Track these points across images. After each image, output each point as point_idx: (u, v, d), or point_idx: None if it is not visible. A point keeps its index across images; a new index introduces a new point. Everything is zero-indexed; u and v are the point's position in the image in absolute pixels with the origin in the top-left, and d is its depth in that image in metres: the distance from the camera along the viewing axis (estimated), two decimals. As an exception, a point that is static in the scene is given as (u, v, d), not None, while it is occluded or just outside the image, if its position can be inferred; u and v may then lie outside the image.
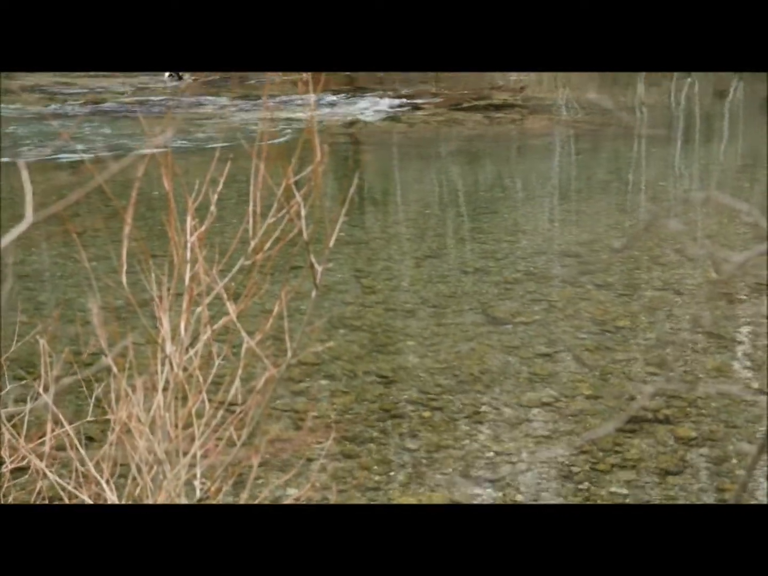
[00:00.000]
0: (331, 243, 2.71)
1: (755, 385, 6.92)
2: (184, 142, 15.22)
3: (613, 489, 5.61)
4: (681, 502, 5.43)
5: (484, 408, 6.62)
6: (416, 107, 19.76)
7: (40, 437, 3.21)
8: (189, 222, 2.95)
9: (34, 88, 22.23)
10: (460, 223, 11.67)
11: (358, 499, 5.50)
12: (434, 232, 11.24)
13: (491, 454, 6.01)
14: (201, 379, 2.93)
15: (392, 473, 5.82)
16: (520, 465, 5.88)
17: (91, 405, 3.63)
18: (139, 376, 2.97)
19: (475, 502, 5.47)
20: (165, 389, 2.89)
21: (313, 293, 2.74)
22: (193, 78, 24.03)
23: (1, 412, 3.27)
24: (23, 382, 4.29)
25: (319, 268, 2.66)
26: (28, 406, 3.28)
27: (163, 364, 2.90)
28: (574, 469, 5.83)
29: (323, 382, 7.05)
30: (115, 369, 2.95)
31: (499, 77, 25.17)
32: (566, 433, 6.25)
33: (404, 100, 20.47)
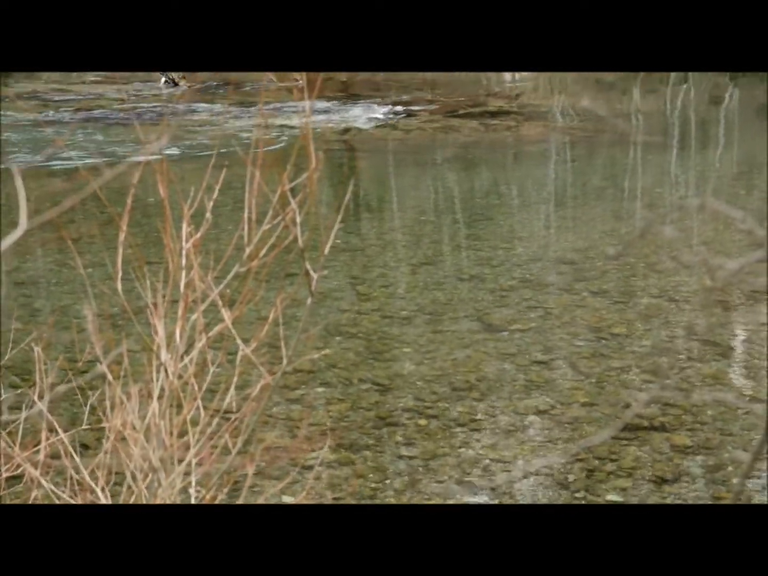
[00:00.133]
0: (327, 250, 2.71)
1: (750, 392, 6.92)
2: (174, 149, 15.20)
3: (609, 497, 5.60)
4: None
5: (480, 416, 6.61)
6: (412, 114, 19.77)
7: (35, 445, 3.20)
8: (184, 229, 2.95)
9: (30, 95, 22.23)
10: (456, 230, 11.67)
11: (354, 506, 5.49)
12: (430, 239, 11.24)
13: (487, 462, 6.00)
14: (196, 386, 2.92)
15: (388, 481, 5.80)
16: (516, 473, 5.87)
17: (86, 413, 3.62)
18: (134, 383, 2.96)
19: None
20: (160, 397, 2.88)
21: (309, 300, 2.73)
22: (188, 85, 24.04)
23: (-4, 419, 3.26)
24: (19, 390, 4.28)
25: (314, 275, 2.65)
26: (23, 413, 3.27)
27: (158, 372, 2.89)
28: (570, 477, 5.82)
29: (319, 389, 7.04)
30: (110, 376, 2.94)
31: (494, 84, 25.20)
32: (562, 441, 6.24)
33: (400, 107, 20.48)
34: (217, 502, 2.91)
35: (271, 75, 22.27)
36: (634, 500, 5.56)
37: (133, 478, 2.84)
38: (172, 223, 2.88)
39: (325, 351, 7.48)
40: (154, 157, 2.99)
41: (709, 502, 5.50)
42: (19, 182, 1.99)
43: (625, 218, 12.16)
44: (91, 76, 25.61)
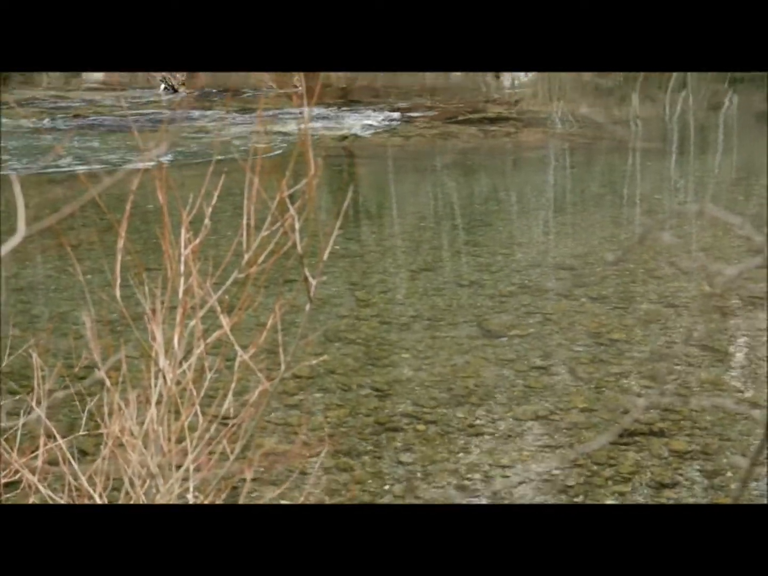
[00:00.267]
0: (325, 256, 2.71)
1: (749, 398, 6.92)
2: (167, 156, 15.19)
3: (608, 503, 5.60)
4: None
5: (478, 421, 6.61)
6: (411, 120, 19.78)
7: (33, 451, 3.20)
8: (183, 235, 2.95)
9: (27, 101, 22.25)
10: (455, 236, 11.68)
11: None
12: (429, 245, 11.25)
13: (486, 467, 6.00)
14: (194, 392, 2.92)
15: (386, 487, 5.80)
16: (514, 478, 5.87)
17: (84, 419, 3.62)
18: (132, 389, 2.96)
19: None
20: (158, 403, 2.88)
21: (308, 306, 2.73)
22: (187, 91, 24.05)
23: (-5, 425, 3.26)
24: (17, 397, 4.28)
25: (313, 282, 2.65)
26: (21, 419, 3.27)
27: (156, 378, 2.90)
28: (569, 482, 5.82)
29: (317, 395, 7.04)
30: (108, 382, 2.94)
31: (494, 90, 25.22)
32: (561, 446, 6.24)
33: (399, 113, 20.50)
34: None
35: (270, 82, 22.30)
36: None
37: (131, 484, 2.84)
38: (171, 229, 2.88)
39: (324, 357, 7.48)
40: (152, 163, 2.99)
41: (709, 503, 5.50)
42: (17, 189, 1.99)
43: (624, 224, 12.17)
44: (87, 83, 25.63)
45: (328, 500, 5.52)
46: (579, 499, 5.63)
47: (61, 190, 13.23)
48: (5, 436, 3.34)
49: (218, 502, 2.92)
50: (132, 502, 2.84)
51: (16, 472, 3.16)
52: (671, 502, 5.59)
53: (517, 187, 14.93)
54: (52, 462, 3.17)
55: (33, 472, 3.11)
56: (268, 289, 3.19)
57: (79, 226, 11.31)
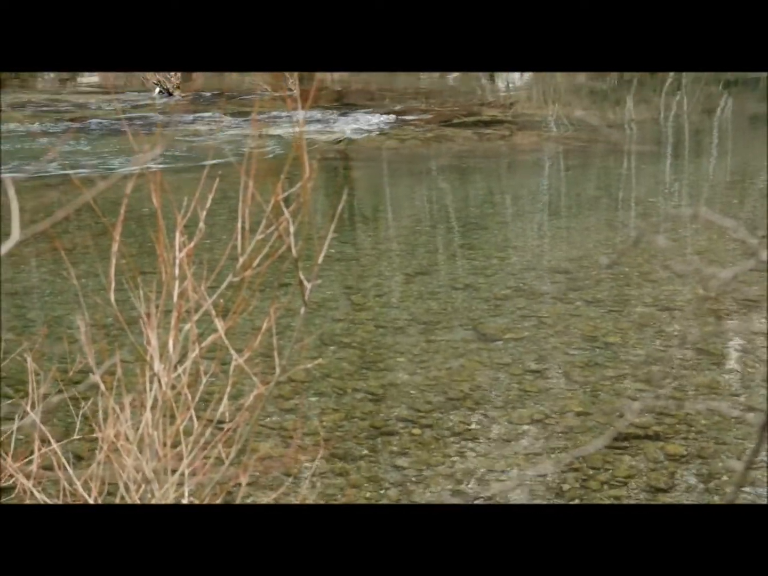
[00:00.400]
0: (320, 259, 2.71)
1: (744, 401, 6.92)
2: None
3: (605, 503, 5.59)
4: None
5: (473, 425, 6.61)
6: (406, 123, 19.79)
7: (27, 456, 3.19)
8: (178, 238, 2.95)
9: (20, 105, 22.23)
10: (450, 240, 11.68)
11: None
12: (424, 248, 11.25)
13: (481, 471, 5.99)
14: (189, 396, 2.91)
15: (382, 491, 5.80)
16: (509, 482, 5.86)
17: (79, 423, 3.61)
18: (127, 393, 2.95)
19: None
20: (153, 407, 2.87)
21: (303, 310, 2.73)
22: (182, 95, 24.05)
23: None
24: (10, 401, 4.27)
25: (308, 285, 2.65)
26: (16, 424, 3.26)
27: (151, 382, 2.89)
28: (564, 486, 5.82)
29: (313, 399, 7.03)
30: (103, 387, 2.93)
31: (489, 93, 25.25)
32: (556, 450, 6.24)
33: (394, 116, 20.50)
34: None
35: (265, 85, 22.29)
36: (629, 509, 5.55)
37: (126, 488, 2.84)
38: (166, 233, 2.87)
39: (319, 361, 7.47)
40: (146, 166, 2.99)
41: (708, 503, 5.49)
42: (11, 193, 1.99)
43: (619, 227, 12.18)
44: (82, 86, 25.61)
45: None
46: (574, 504, 5.63)
47: (55, 194, 13.21)
48: (-1, 441, 3.33)
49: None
50: (127, 507, 2.83)
51: (11, 476, 3.15)
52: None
53: (512, 190, 14.94)
54: (47, 467, 3.16)
55: (28, 476, 3.10)
56: (263, 292, 3.18)
57: (74, 230, 11.30)
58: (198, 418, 2.95)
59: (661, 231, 11.66)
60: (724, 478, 5.89)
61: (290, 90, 20.35)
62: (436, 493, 5.74)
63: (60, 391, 3.06)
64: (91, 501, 2.95)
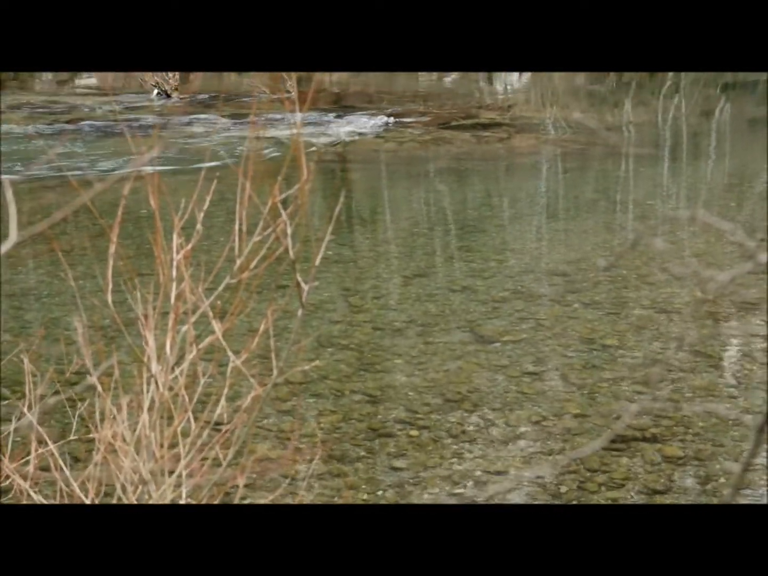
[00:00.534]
0: (318, 261, 2.71)
1: (741, 404, 6.92)
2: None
3: (602, 503, 5.59)
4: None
5: (471, 427, 6.61)
6: (404, 126, 19.79)
7: (24, 457, 3.19)
8: (175, 240, 2.95)
9: (17, 106, 22.22)
10: (448, 242, 11.68)
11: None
12: (422, 250, 11.25)
13: (479, 473, 5.99)
14: (187, 398, 2.91)
15: (380, 492, 5.79)
16: (507, 484, 5.86)
17: (76, 424, 3.61)
18: (124, 395, 2.95)
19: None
20: (150, 408, 2.87)
21: (300, 312, 2.73)
22: (180, 97, 24.05)
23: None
24: (6, 402, 4.26)
25: (305, 287, 2.65)
26: (12, 425, 3.26)
27: (148, 383, 2.89)
28: (562, 488, 5.82)
29: (310, 401, 7.03)
30: (100, 388, 2.93)
31: (487, 96, 25.26)
32: (553, 452, 6.24)
33: (392, 119, 20.51)
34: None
35: (263, 87, 22.29)
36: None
37: (123, 490, 2.84)
38: (163, 234, 2.88)
39: (317, 362, 7.47)
40: (144, 168, 2.99)
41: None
42: (9, 194, 1.99)
43: (617, 230, 12.18)
44: (80, 87, 25.61)
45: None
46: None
47: (52, 196, 13.21)
48: (-4, 442, 3.33)
49: (210, 508, 2.91)
50: (124, 508, 2.83)
51: (7, 477, 3.15)
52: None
53: (510, 192, 14.94)
54: (44, 468, 3.16)
55: (25, 477, 3.10)
56: (260, 294, 3.18)
57: (72, 231, 11.29)
58: (195, 419, 2.95)
59: (658, 234, 11.67)
60: (722, 480, 5.89)
61: (288, 92, 20.34)
62: (433, 494, 5.74)
63: (57, 393, 3.06)
64: (87, 502, 2.95)
